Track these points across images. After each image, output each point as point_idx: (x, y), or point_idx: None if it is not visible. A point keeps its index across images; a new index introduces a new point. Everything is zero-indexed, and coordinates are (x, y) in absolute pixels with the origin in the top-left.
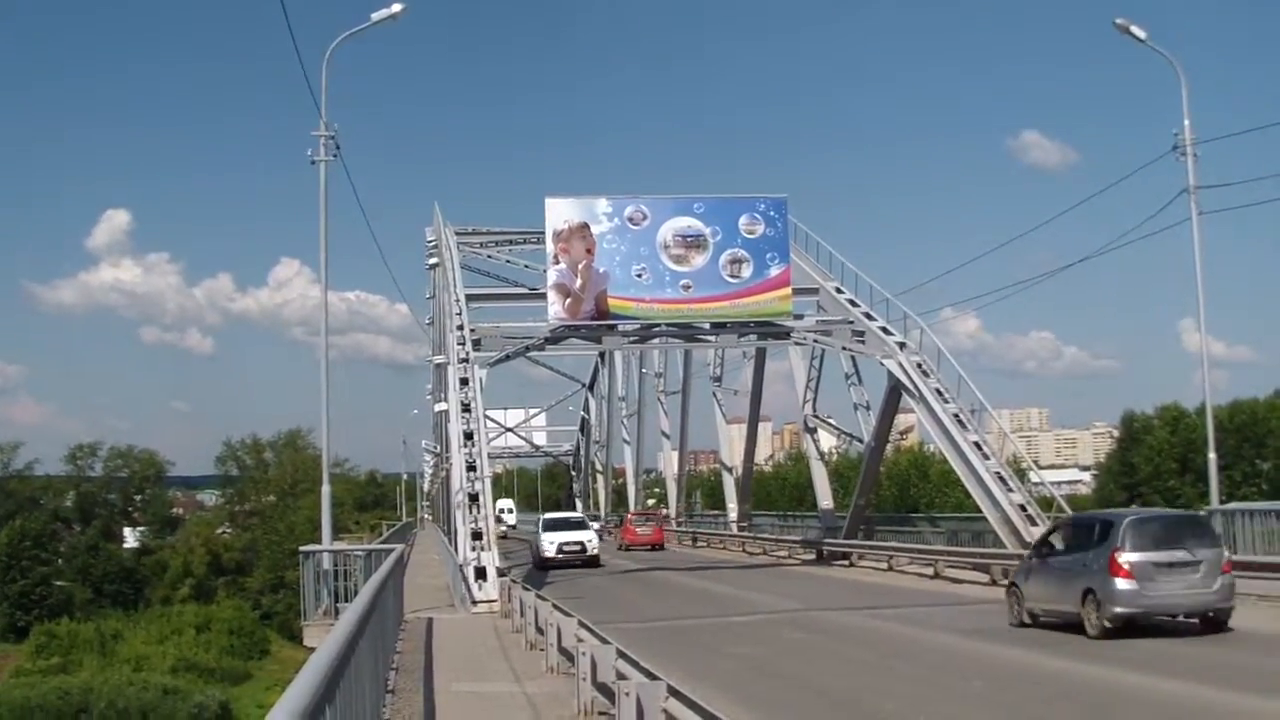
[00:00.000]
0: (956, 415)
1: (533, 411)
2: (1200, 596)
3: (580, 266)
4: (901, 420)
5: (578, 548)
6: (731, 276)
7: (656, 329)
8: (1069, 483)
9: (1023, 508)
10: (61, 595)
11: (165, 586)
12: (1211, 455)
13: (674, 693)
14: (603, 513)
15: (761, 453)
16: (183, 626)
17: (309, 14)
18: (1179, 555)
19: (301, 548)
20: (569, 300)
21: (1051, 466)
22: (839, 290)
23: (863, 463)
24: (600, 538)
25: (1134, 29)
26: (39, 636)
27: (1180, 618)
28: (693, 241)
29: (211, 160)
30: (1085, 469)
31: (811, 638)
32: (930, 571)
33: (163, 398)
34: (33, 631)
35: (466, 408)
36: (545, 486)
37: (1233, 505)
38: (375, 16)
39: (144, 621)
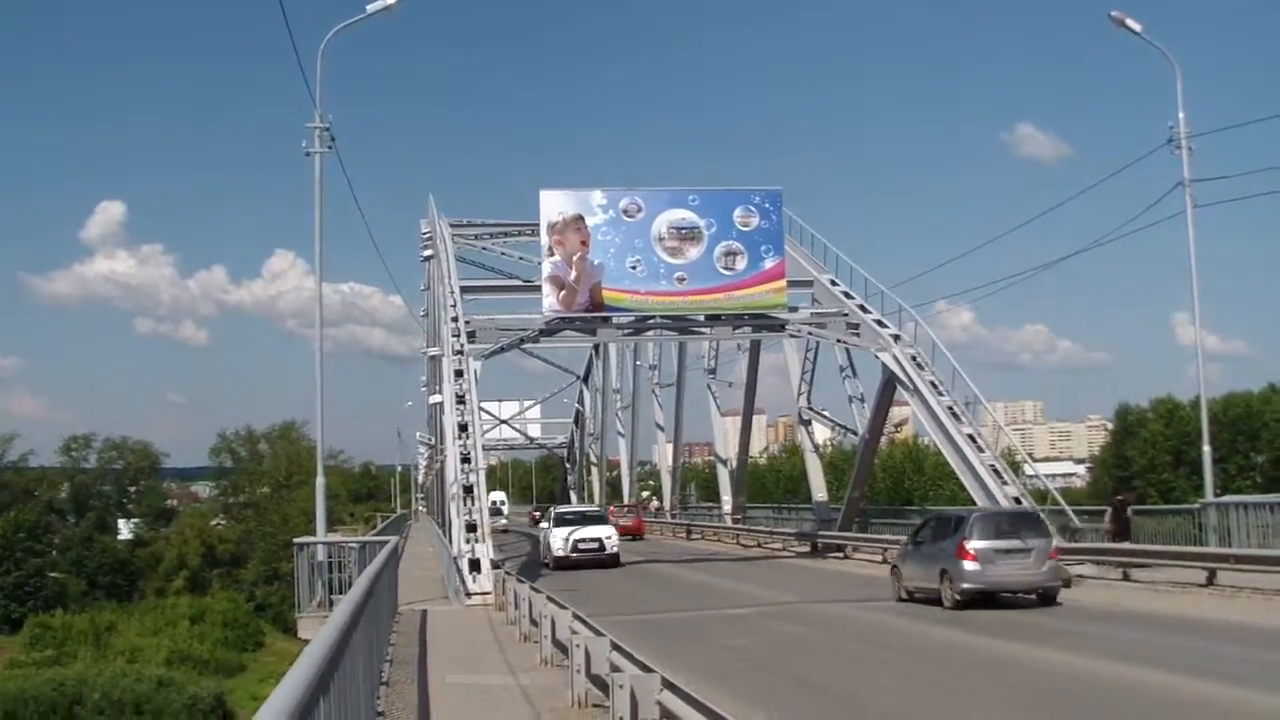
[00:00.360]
0: (951, 408)
1: (527, 404)
2: (1031, 577)
3: (575, 259)
4: (896, 413)
5: (595, 545)
6: (726, 269)
7: (651, 321)
8: (1063, 475)
9: (1017, 500)
10: (56, 587)
11: (160, 578)
12: (1206, 448)
13: (668, 684)
14: (597, 504)
15: (756, 445)
16: (177, 618)
17: (304, 6)
18: (1014, 544)
19: (296, 540)
20: (564, 292)
21: (1046, 459)
22: (833, 283)
23: (857, 455)
24: None
25: (1129, 22)
26: (33, 628)
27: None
28: (687, 234)
29: (206, 152)
30: (1080, 462)
31: (806, 630)
32: None
33: (157, 389)
34: (27, 623)
35: (461, 400)
36: (540, 479)
37: (1227, 498)
38: (370, 8)
39: (138, 613)
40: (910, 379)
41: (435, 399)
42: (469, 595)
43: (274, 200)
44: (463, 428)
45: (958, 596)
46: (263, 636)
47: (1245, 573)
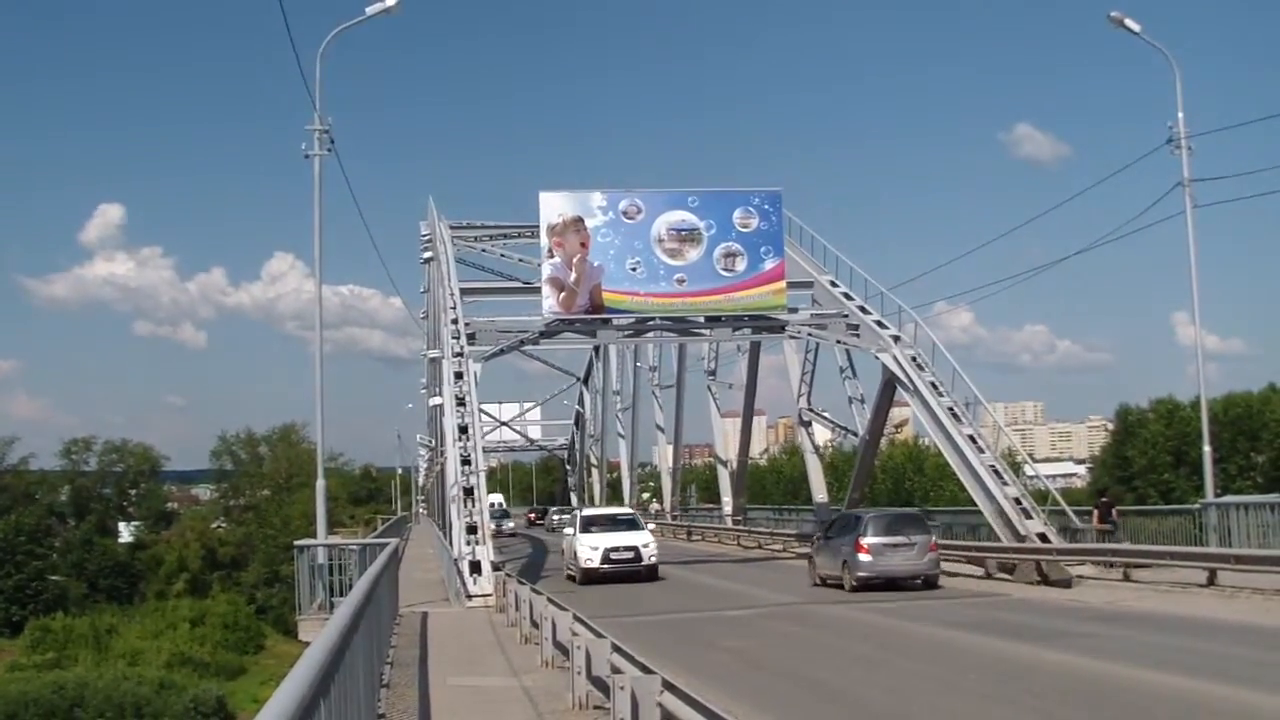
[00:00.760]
0: (951, 409)
1: (527, 405)
2: (914, 566)
3: (575, 260)
4: (896, 414)
5: (630, 555)
6: (726, 270)
7: (651, 323)
8: (1064, 476)
9: (1017, 501)
10: (56, 590)
11: (160, 581)
12: (1206, 448)
13: (668, 686)
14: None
15: (756, 446)
16: (177, 621)
17: (304, 8)
18: (900, 539)
19: (296, 542)
20: (563, 294)
21: (1046, 460)
22: (833, 284)
23: (857, 456)
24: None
25: (1128, 22)
26: (34, 631)
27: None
28: (687, 235)
29: (205, 154)
30: (1080, 462)
31: (806, 631)
32: None
33: (157, 392)
34: (27, 626)
35: (461, 402)
36: (540, 480)
37: (1227, 499)
38: (370, 10)
39: (139, 616)
40: (910, 380)
41: (435, 401)
42: (470, 597)
43: (273, 203)
44: (463, 430)
45: (854, 582)
46: (263, 639)
47: (1245, 573)
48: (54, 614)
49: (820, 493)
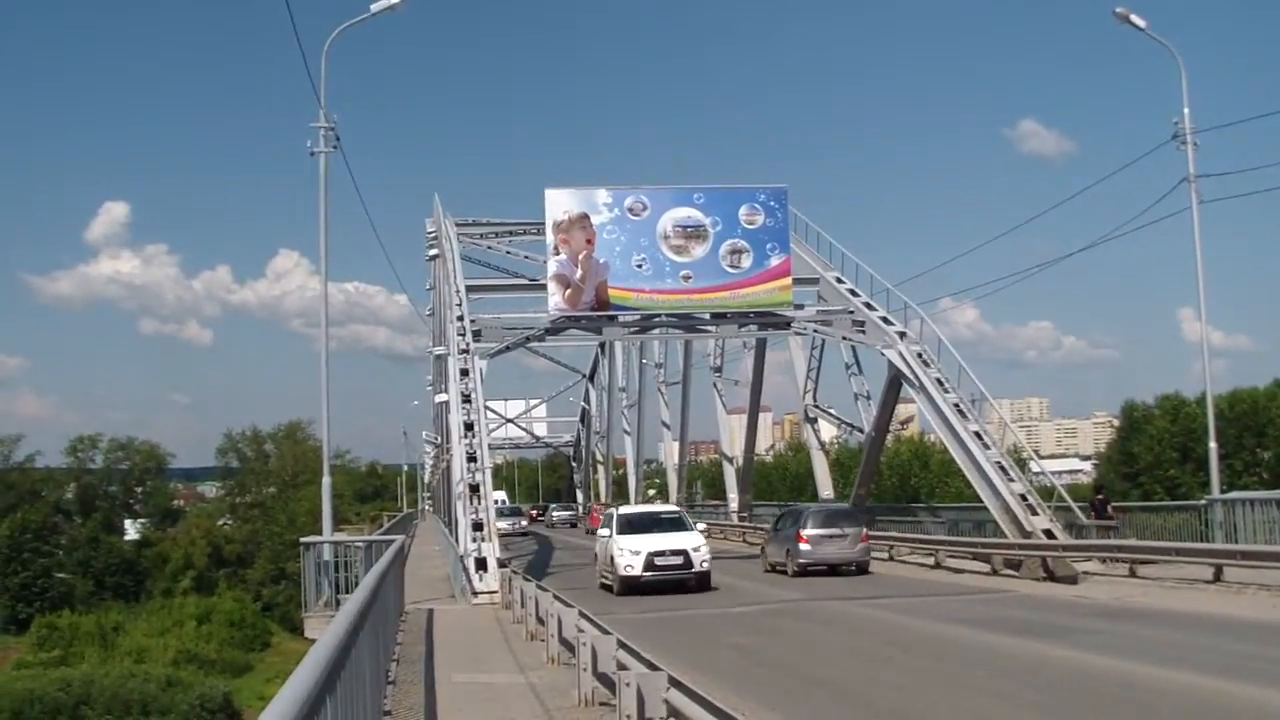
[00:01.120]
0: (957, 405)
1: (533, 402)
2: (847, 554)
3: (580, 257)
4: (902, 410)
5: (678, 561)
6: (731, 267)
7: (656, 319)
8: (1069, 472)
9: (1023, 497)
10: (62, 588)
11: (166, 578)
12: (1212, 444)
13: (674, 683)
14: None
15: (762, 443)
16: (184, 618)
17: (309, 5)
18: (835, 531)
19: (302, 539)
20: (569, 291)
21: (1052, 456)
22: (839, 280)
23: (863, 452)
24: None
25: (1134, 18)
26: (40, 629)
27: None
28: (693, 232)
29: (210, 152)
30: (1086, 458)
31: (811, 628)
32: (931, 561)
33: (162, 390)
34: (34, 624)
35: (467, 399)
36: (546, 478)
37: (1233, 495)
38: (375, 7)
39: (145, 614)
40: (916, 376)
41: (441, 398)
42: (475, 594)
43: (278, 200)
44: (468, 427)
45: (795, 568)
46: (269, 636)
47: (1252, 568)
48: (60, 611)
49: (826, 489)
